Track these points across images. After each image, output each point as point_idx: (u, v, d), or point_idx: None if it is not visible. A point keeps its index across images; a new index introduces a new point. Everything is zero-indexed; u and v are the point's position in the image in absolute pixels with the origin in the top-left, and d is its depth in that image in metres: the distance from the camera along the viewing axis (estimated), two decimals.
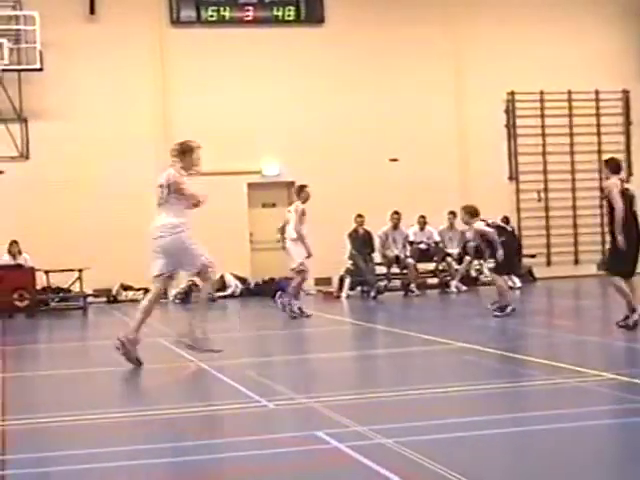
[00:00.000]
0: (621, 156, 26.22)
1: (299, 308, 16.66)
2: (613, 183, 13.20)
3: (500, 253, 15.60)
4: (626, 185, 13.41)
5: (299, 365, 11.80)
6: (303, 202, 16.94)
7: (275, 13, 24.55)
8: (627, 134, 26.55)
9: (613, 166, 13.53)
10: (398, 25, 24.86)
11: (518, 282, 22.31)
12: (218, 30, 24.16)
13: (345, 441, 6.90)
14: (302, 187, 17.25)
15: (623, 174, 13.81)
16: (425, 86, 24.90)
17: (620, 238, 12.82)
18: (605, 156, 25.78)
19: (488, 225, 16.13)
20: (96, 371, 11.67)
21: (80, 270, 20.92)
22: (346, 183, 23.94)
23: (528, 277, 23.77)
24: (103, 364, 11.77)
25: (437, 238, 23.03)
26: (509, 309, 15.51)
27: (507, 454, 6.74)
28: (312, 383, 10.35)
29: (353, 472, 6.32)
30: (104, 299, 22.87)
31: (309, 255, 16.85)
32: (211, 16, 24.24)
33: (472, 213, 16.05)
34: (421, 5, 25.10)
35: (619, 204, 12.90)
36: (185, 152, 11.91)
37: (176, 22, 24.05)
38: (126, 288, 23.08)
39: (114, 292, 23.07)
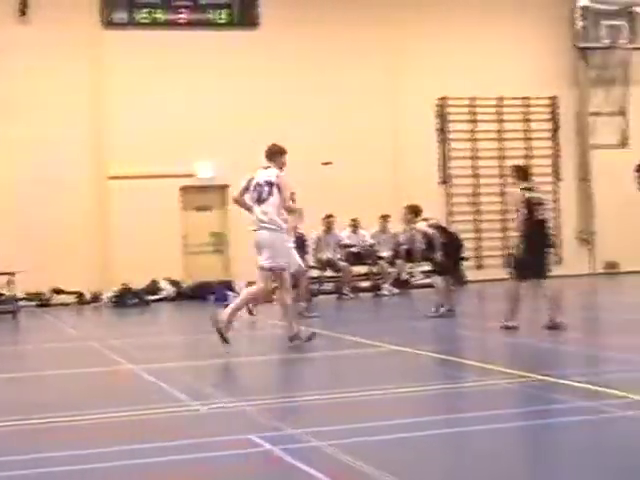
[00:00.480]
0: (549, 161, 26.74)
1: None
2: (515, 191, 13.62)
3: (439, 254, 15.79)
4: (533, 193, 13.61)
5: (233, 369, 11.83)
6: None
7: (209, 16, 24.54)
8: (555, 139, 26.97)
9: (520, 173, 13.88)
10: (333, 29, 25.02)
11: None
12: (152, 32, 24.08)
13: (278, 444, 6.94)
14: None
15: (530, 182, 14.02)
16: (359, 90, 25.05)
17: (521, 245, 13.37)
18: (534, 161, 26.38)
19: (430, 226, 16.33)
20: (22, 376, 11.58)
21: (11, 273, 20.69)
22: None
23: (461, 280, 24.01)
24: (30, 369, 11.67)
25: (370, 241, 23.18)
26: (443, 309, 15.71)
27: (441, 455, 6.85)
28: (246, 386, 10.39)
29: (285, 475, 6.37)
30: (35, 303, 22.65)
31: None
32: (144, 18, 24.16)
33: (416, 212, 16.27)
34: (356, 9, 25.25)
35: (521, 214, 13.36)
36: (278, 153, 12.86)
37: (109, 24, 23.91)
38: (58, 292, 22.90)
39: (46, 296, 22.86)
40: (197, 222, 24.14)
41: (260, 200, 12.51)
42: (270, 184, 12.53)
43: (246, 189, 12.76)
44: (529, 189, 13.60)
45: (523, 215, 13.33)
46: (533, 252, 13.41)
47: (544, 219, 13.63)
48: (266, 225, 12.40)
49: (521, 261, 13.50)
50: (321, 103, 24.73)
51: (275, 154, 13.00)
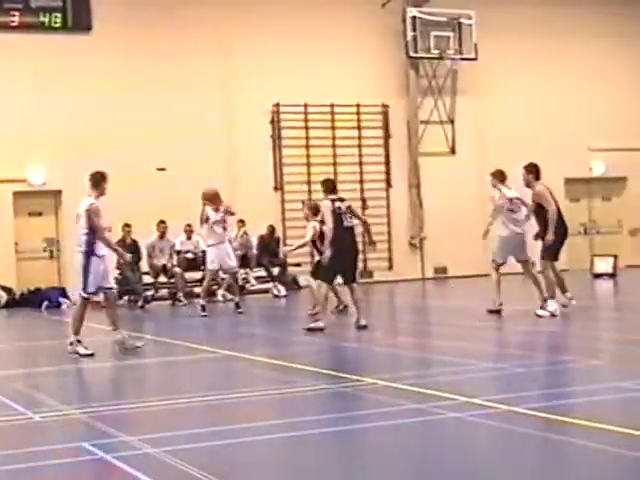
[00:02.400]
0: (380, 168, 27.27)
1: None
2: (324, 203, 14.69)
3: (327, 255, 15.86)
4: (340, 203, 14.58)
5: (67, 376, 11.68)
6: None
7: (42, 19, 24.05)
8: (386, 147, 27.53)
9: (328, 186, 14.97)
10: (167, 31, 24.90)
11: (283, 290, 22.84)
12: None
13: (112, 452, 6.93)
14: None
15: (337, 194, 14.99)
16: (194, 95, 24.98)
17: (327, 252, 14.38)
18: (366, 168, 26.87)
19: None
20: None
21: None
22: (113, 192, 23.64)
23: (293, 285, 24.26)
24: None
25: (204, 247, 23.15)
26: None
27: (277, 459, 6.93)
28: (80, 394, 10.30)
29: None
30: None
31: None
32: None
33: (314, 211, 16.57)
34: (190, 14, 25.20)
35: (329, 224, 14.38)
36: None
37: None
38: None
39: None
40: (30, 228, 23.69)
41: None
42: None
43: None
44: (337, 200, 14.56)
45: (331, 224, 14.30)
46: (342, 258, 14.45)
47: (351, 226, 14.61)
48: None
49: (330, 266, 14.47)
50: (155, 106, 24.58)
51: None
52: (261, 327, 15.64)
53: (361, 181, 27.00)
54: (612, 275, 24.89)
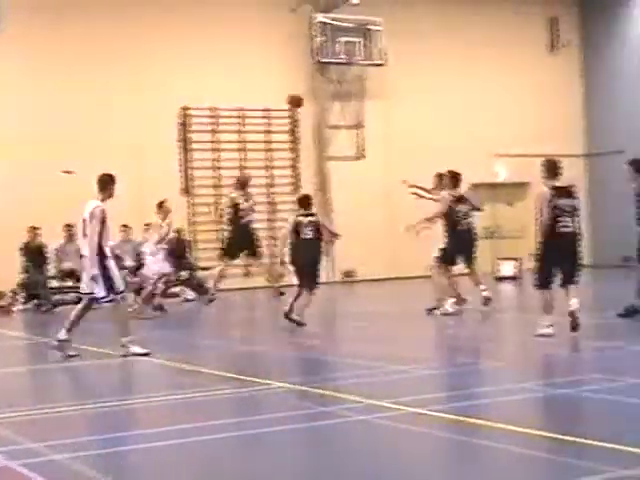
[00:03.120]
0: (289, 172, 27.38)
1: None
2: (289, 220, 15.87)
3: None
4: (301, 218, 15.58)
5: None
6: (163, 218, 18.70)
7: None
8: (295, 151, 27.64)
9: (301, 203, 15.95)
10: (76, 30, 24.69)
11: (192, 294, 22.79)
12: None
13: (16, 459, 6.88)
14: (161, 203, 18.97)
15: (309, 210, 15.89)
16: (101, 97, 24.79)
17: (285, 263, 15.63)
18: (275, 172, 26.97)
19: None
20: None
21: None
22: (20, 194, 23.45)
23: (201, 290, 24.16)
24: None
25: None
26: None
27: (183, 464, 6.94)
28: None
29: None
30: None
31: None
32: None
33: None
34: (100, 16, 24.99)
35: (284, 230, 15.81)
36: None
37: None
38: None
39: None
40: None
41: None
42: None
43: None
44: (303, 215, 15.69)
45: (292, 236, 15.49)
46: (296, 267, 15.63)
47: (310, 238, 15.47)
48: None
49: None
50: (61, 108, 24.33)
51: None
52: (169, 331, 15.60)
53: (270, 185, 27.08)
54: (515, 278, 25.33)
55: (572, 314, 12.62)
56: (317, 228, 15.69)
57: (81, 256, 13.01)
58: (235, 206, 19.36)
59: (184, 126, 26.25)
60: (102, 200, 12.85)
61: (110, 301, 12.66)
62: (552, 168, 12.99)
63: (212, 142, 26.56)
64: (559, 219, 12.71)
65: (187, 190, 26.21)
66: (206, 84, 25.90)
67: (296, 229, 15.56)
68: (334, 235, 17.11)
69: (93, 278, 12.49)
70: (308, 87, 27.67)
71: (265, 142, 27.21)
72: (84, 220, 12.71)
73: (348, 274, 27.88)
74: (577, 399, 8.59)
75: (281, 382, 9.86)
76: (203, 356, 13.10)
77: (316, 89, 27.71)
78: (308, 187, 27.55)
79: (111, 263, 12.66)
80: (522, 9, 30.13)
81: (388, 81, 27.99)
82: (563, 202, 12.78)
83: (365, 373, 10.51)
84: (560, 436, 6.95)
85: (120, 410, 8.90)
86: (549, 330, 12.58)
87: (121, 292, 12.71)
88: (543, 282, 12.84)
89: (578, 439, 6.81)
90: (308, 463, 6.77)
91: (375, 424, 7.80)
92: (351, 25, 27.46)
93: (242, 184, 19.75)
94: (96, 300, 12.74)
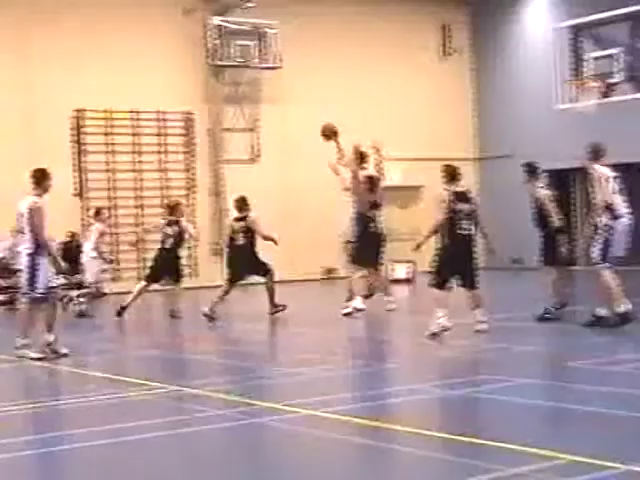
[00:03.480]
0: (184, 175, 27.32)
1: None
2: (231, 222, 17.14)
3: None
4: (233, 222, 17.14)
5: None
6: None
7: None
8: (190, 154, 27.61)
9: (235, 206, 17.48)
10: None
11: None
12: None
13: None
14: (98, 210, 19.77)
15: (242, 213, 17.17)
16: None
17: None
18: (170, 175, 26.88)
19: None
20: None
21: None
22: None
23: (97, 292, 23.99)
24: None
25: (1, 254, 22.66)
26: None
27: (71, 469, 6.99)
28: None
29: None
30: None
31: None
32: None
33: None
34: None
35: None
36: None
37: None
38: None
39: None
40: None
41: None
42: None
43: None
44: (235, 220, 17.23)
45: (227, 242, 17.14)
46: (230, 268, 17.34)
47: (241, 245, 17.03)
48: None
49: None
50: None
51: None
52: (61, 336, 15.43)
53: (164, 188, 27.00)
54: (409, 281, 25.72)
55: (477, 332, 13.18)
56: (249, 233, 16.51)
57: (18, 252, 13.02)
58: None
59: (78, 128, 25.99)
60: (38, 195, 12.78)
61: (25, 295, 12.59)
62: (451, 173, 13.37)
63: (106, 144, 26.37)
64: (457, 222, 13.13)
65: (81, 193, 25.97)
66: (101, 87, 25.69)
67: (231, 235, 16.71)
68: (268, 238, 17.38)
69: (25, 271, 12.46)
70: (203, 90, 27.68)
71: (159, 145, 27.12)
72: (21, 215, 12.62)
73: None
74: (470, 400, 8.80)
75: (177, 386, 9.90)
76: (100, 360, 13.05)
77: (211, 92, 27.71)
78: (202, 190, 27.59)
79: (44, 261, 12.54)
80: (416, 15, 30.60)
81: (283, 84, 28.14)
82: (461, 206, 13.21)
83: (261, 376, 10.62)
84: (453, 436, 7.12)
85: (17, 415, 8.84)
86: (443, 321, 12.94)
87: (41, 293, 12.53)
88: (439, 282, 13.17)
89: (471, 439, 6.99)
90: (199, 467, 6.84)
91: (270, 427, 7.91)
92: (246, 28, 27.53)
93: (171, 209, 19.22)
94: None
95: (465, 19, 31.83)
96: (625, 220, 13.30)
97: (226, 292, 17.39)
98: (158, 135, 27.08)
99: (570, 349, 11.97)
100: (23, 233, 12.62)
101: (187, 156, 27.55)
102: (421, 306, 18.99)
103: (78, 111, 25.87)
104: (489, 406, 8.61)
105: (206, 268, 27.25)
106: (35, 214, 12.48)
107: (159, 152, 27.09)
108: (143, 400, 9.40)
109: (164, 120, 27.12)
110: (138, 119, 26.72)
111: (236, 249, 17.31)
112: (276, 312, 17.16)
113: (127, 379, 10.61)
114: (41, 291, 12.49)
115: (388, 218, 30.44)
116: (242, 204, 17.22)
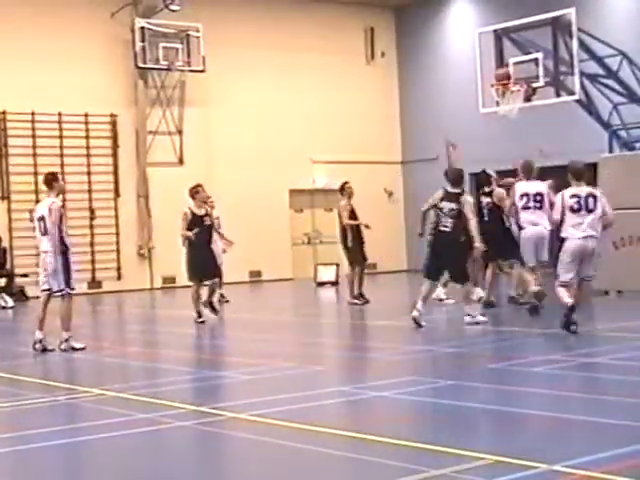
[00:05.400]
0: (109, 177, 27.15)
1: None
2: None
3: None
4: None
5: None
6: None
7: None
8: (115, 156, 27.44)
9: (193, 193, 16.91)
10: None
11: (10, 301, 22.34)
12: None
13: None
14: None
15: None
16: None
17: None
18: (94, 177, 26.67)
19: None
20: None
21: None
22: None
23: (21, 296, 23.80)
24: None
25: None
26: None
27: (3, 474, 6.91)
28: None
29: None
30: None
31: None
32: None
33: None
34: None
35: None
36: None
37: None
38: None
39: None
40: None
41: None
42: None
43: None
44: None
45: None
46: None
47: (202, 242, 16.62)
48: None
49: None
50: None
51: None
52: None
53: (89, 191, 26.81)
54: (334, 283, 25.82)
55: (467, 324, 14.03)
56: (209, 231, 16.65)
57: (39, 253, 13.55)
58: None
59: (1, 131, 25.70)
60: (55, 196, 13.39)
61: (63, 295, 13.19)
62: (453, 176, 14.26)
63: (31, 147, 26.10)
64: (440, 220, 13.99)
65: (5, 196, 25.68)
66: (25, 89, 25.45)
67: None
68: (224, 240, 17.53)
69: (55, 271, 13.01)
70: (128, 92, 27.55)
71: (85, 147, 26.91)
72: (42, 218, 13.14)
73: (167, 280, 27.79)
74: (395, 401, 8.87)
75: (101, 389, 9.85)
76: (24, 364, 12.91)
77: (136, 94, 27.58)
78: (128, 193, 27.43)
79: (72, 258, 13.29)
80: (341, 19, 30.74)
81: (208, 87, 28.11)
82: (445, 204, 13.96)
83: (185, 379, 10.62)
84: (378, 438, 7.16)
85: None
86: (419, 311, 13.84)
87: (73, 288, 13.27)
88: (431, 273, 14.16)
89: (395, 440, 7.05)
90: (124, 471, 6.83)
91: (195, 430, 7.91)
92: (171, 31, 27.46)
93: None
94: (51, 293, 13.25)
95: (390, 23, 32.05)
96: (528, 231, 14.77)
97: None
98: (83, 137, 26.87)
99: (494, 351, 12.12)
100: (46, 234, 13.11)
101: (112, 159, 27.37)
102: (343, 308, 19.09)
103: (2, 113, 25.60)
104: (414, 408, 8.69)
105: (131, 271, 27.11)
106: (52, 214, 13.04)
107: (84, 155, 26.87)
108: (67, 405, 9.33)
109: (89, 123, 26.92)
110: (63, 121, 26.48)
111: (198, 246, 16.87)
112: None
113: (52, 383, 10.52)
114: (73, 287, 13.31)
115: (313, 221, 30.72)
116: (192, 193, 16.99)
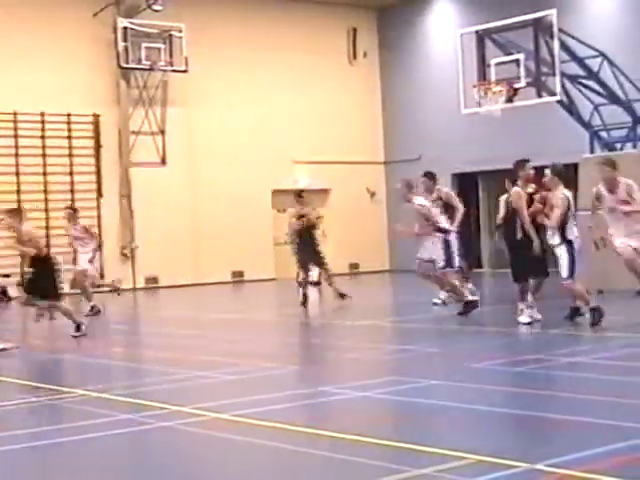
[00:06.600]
0: (92, 178, 27.10)
1: None
2: None
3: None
4: None
5: None
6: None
7: None
8: (97, 157, 27.38)
9: None
10: None
11: None
12: None
13: None
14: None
15: None
16: None
17: None
18: (77, 177, 26.61)
19: None
20: None
21: None
22: None
23: (2, 296, 23.73)
24: None
25: None
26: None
27: None
28: None
29: None
30: None
31: None
32: None
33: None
34: None
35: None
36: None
37: None
38: None
39: None
40: None
41: None
42: None
43: None
44: None
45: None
46: None
47: None
48: None
49: None
50: None
51: None
52: None
53: (72, 191, 26.74)
54: (317, 283, 25.79)
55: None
56: None
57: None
58: None
59: None
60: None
61: None
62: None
63: (13, 147, 26.02)
64: None
65: None
66: (7, 88, 25.37)
67: None
68: None
69: None
70: (111, 92, 27.50)
71: (67, 147, 26.84)
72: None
73: (150, 280, 27.78)
74: (377, 401, 8.90)
75: (84, 390, 9.84)
76: (3, 365, 12.87)
77: (119, 94, 27.54)
78: (110, 193, 27.38)
79: None
80: (323, 19, 30.76)
81: (190, 87, 28.08)
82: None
83: (168, 379, 10.61)
84: (360, 437, 7.19)
85: None
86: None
87: None
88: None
89: (377, 440, 7.08)
90: (107, 472, 6.83)
91: (177, 430, 7.92)
92: (154, 31, 27.42)
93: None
94: None
95: (372, 23, 32.09)
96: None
97: None
98: (66, 138, 26.80)
99: (474, 350, 12.16)
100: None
101: (94, 159, 27.31)
102: (326, 307, 19.11)
103: None
104: (396, 407, 8.72)
105: (114, 271, 27.06)
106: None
107: (67, 155, 26.80)
108: (49, 406, 9.32)
109: (71, 123, 26.85)
110: (45, 121, 26.42)
111: None
112: None
113: (33, 384, 10.50)
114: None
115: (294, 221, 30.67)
116: None
